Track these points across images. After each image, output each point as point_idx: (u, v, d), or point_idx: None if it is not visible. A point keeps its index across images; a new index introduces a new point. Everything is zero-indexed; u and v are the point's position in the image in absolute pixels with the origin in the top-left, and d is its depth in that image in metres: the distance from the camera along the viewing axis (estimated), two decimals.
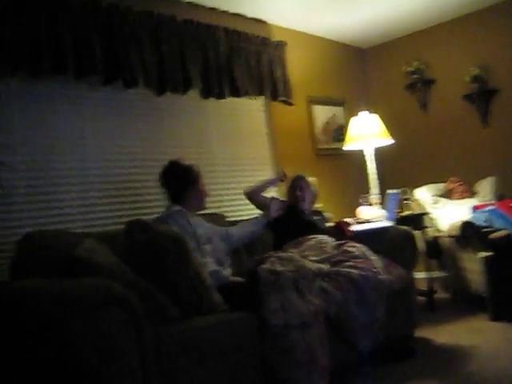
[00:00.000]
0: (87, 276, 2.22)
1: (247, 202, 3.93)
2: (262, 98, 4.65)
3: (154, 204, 3.76)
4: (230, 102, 4.42)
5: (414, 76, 5.75)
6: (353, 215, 4.36)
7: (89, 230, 3.25)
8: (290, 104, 4.78)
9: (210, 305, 2.61)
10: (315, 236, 3.54)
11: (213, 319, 2.51)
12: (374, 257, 3.22)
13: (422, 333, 3.70)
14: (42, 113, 3.37)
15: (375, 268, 3.13)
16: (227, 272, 3.09)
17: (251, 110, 4.75)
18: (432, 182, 5.12)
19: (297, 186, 3.92)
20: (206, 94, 4.11)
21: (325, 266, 3.10)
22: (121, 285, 2.11)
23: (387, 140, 4.71)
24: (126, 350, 2.01)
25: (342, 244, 3.36)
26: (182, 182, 3.21)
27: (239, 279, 3.05)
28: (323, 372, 2.61)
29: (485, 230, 4.10)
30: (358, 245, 3.29)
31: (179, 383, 2.23)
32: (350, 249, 3.25)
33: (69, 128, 3.49)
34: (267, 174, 4.75)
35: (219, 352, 2.41)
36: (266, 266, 2.81)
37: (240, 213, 4.38)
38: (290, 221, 3.74)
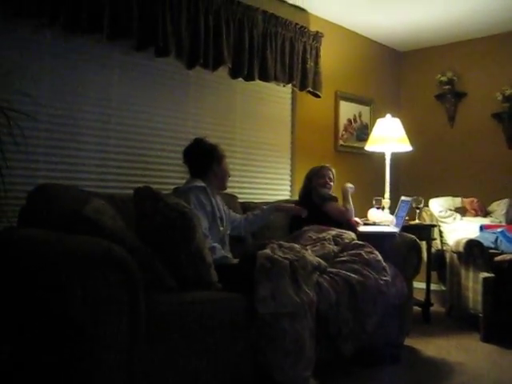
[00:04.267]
0: (91, 235, 2.25)
1: (261, 185, 3.98)
2: (290, 85, 4.64)
3: (167, 175, 3.81)
4: (258, 85, 4.43)
5: (446, 87, 5.70)
6: (364, 216, 4.37)
7: (101, 191, 3.29)
8: (318, 96, 4.77)
9: (207, 282, 2.64)
10: (340, 230, 3.60)
11: (207, 295, 2.54)
12: (386, 268, 3.23)
13: (412, 342, 3.72)
14: (71, 69, 3.40)
15: (383, 280, 3.13)
16: (227, 253, 3.12)
17: (278, 96, 4.75)
18: (447, 195, 5.10)
19: (325, 174, 4.00)
20: (235, 73, 4.11)
21: (325, 263, 3.12)
22: (122, 249, 2.15)
23: (406, 146, 4.69)
24: (116, 311, 2.05)
25: (361, 246, 3.37)
26: (206, 159, 3.23)
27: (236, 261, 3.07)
28: (309, 364, 2.64)
29: (490, 250, 4.09)
30: (375, 252, 3.30)
31: (165, 352, 2.27)
32: (365, 254, 3.25)
33: (95, 88, 3.52)
34: (283, 161, 4.78)
35: (208, 328, 2.44)
36: (266, 251, 2.82)
37: (253, 196, 4.43)
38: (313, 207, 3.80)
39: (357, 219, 4.03)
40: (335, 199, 3.92)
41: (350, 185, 4.12)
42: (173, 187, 3.35)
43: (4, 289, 2.34)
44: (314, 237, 3.49)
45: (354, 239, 3.49)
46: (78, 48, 3.41)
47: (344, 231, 3.59)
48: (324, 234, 3.50)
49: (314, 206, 3.81)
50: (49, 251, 2.15)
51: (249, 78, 4.21)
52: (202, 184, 3.15)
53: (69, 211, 2.42)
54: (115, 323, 2.06)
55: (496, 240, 4.22)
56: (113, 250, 2.08)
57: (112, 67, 3.61)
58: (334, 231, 3.55)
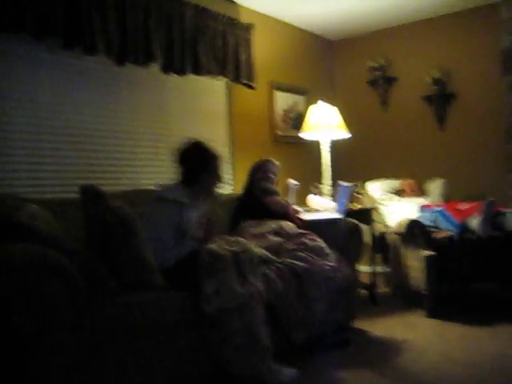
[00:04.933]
0: (26, 242, 2.17)
1: None
2: (224, 78, 4.61)
3: (102, 176, 3.72)
4: (192, 79, 4.38)
5: (377, 72, 5.82)
6: (303, 203, 4.39)
7: (35, 196, 3.17)
8: (252, 88, 4.76)
9: (150, 285, 2.60)
10: (278, 221, 3.58)
11: (152, 295, 2.52)
12: (330, 254, 3.26)
13: (360, 325, 3.78)
14: None
15: (328, 265, 3.17)
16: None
17: (212, 90, 4.71)
18: (384, 178, 5.20)
19: (268, 169, 3.96)
20: (167, 68, 4.05)
21: (272, 256, 3.12)
22: (60, 254, 2.08)
23: (344, 133, 4.75)
24: (58, 316, 2.00)
25: (303, 234, 3.38)
26: (202, 165, 3.09)
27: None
28: (265, 353, 2.63)
29: (430, 229, 4.21)
30: (318, 239, 3.32)
31: (113, 354, 2.23)
32: (309, 242, 3.28)
33: (23, 89, 3.39)
34: (224, 155, 4.73)
35: (156, 327, 2.41)
36: (211, 246, 2.80)
37: None
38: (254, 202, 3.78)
39: (296, 207, 4.05)
40: (276, 193, 3.89)
41: (293, 181, 4.13)
42: (106, 187, 3.25)
43: None
44: (254, 232, 3.48)
45: (293, 229, 3.52)
46: (2, 48, 3.27)
47: (283, 221, 3.60)
48: (265, 227, 3.50)
49: (254, 199, 3.81)
50: None
51: (181, 72, 4.15)
52: (186, 199, 2.98)
53: (0, 218, 2.32)
54: (58, 328, 2.01)
55: (435, 219, 4.34)
56: (48, 255, 2.01)
57: (40, 66, 3.48)
58: (273, 223, 3.56)
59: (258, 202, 3.79)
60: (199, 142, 3.17)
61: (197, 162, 3.09)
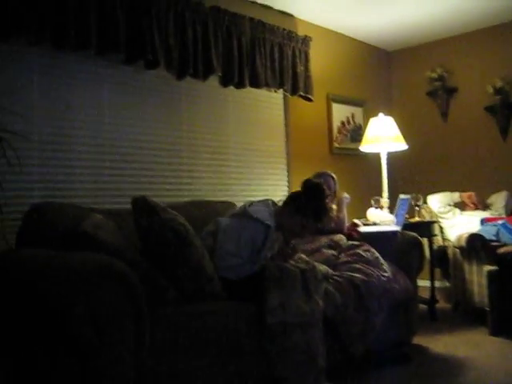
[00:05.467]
0: (91, 251, 2.23)
1: (258, 192, 3.94)
2: (282, 91, 4.63)
3: (163, 187, 3.79)
4: (249, 92, 4.42)
5: (437, 83, 5.71)
6: (363, 217, 4.35)
7: (97, 206, 3.26)
8: (310, 100, 4.76)
9: (209, 293, 2.61)
10: (328, 235, 3.54)
11: (212, 305, 2.52)
12: (385, 265, 3.21)
13: (420, 341, 3.69)
14: (61, 86, 3.38)
15: (384, 276, 3.12)
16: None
17: (270, 102, 4.74)
18: (445, 191, 5.08)
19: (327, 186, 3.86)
20: (226, 81, 4.11)
21: (330, 270, 3.10)
22: (123, 263, 2.12)
23: (401, 144, 4.68)
24: (121, 326, 2.02)
25: (357, 246, 3.35)
26: (320, 209, 2.96)
27: None
28: (320, 373, 2.60)
29: (492, 243, 4.08)
30: (372, 250, 3.28)
31: (172, 365, 2.23)
32: (363, 253, 3.24)
33: (87, 104, 3.51)
34: (280, 167, 4.76)
35: (215, 339, 2.40)
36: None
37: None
38: None
39: (356, 220, 4.02)
40: (329, 211, 3.79)
41: (346, 195, 4.05)
42: (165, 199, 3.31)
43: (6, 309, 2.30)
44: (307, 248, 3.45)
45: (344, 240, 3.48)
46: (67, 65, 3.40)
47: (333, 235, 3.55)
48: (317, 243, 3.47)
49: None
50: (49, 270, 2.12)
51: (240, 85, 4.20)
52: (270, 224, 2.87)
53: (67, 228, 2.40)
54: (120, 338, 2.03)
55: (497, 232, 4.21)
56: (114, 264, 2.05)
57: (102, 81, 3.59)
58: (324, 237, 3.52)
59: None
60: (323, 187, 3.03)
61: (320, 205, 2.97)
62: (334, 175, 3.99)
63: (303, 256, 3.00)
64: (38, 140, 3.25)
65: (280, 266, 2.70)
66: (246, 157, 4.50)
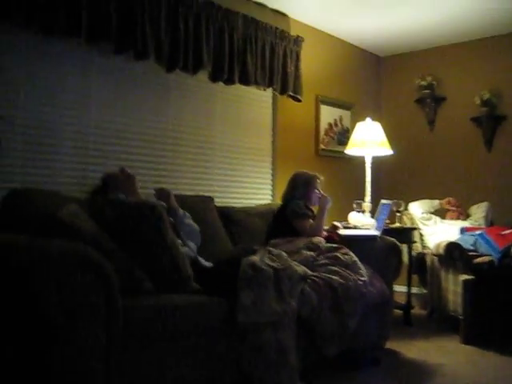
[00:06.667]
0: (67, 239, 2.22)
1: (242, 189, 4.08)
2: (271, 89, 4.63)
3: (147, 179, 3.77)
4: (238, 89, 4.42)
5: (426, 91, 5.74)
6: (344, 219, 4.37)
7: (79, 195, 3.25)
8: (298, 100, 4.77)
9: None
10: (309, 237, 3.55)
11: (186, 299, 2.51)
12: (362, 269, 3.23)
13: (393, 345, 3.72)
14: (49, 72, 3.35)
15: (361, 281, 3.14)
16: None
17: (259, 100, 4.74)
18: (428, 198, 5.12)
19: (314, 187, 3.86)
20: (215, 77, 4.10)
21: (309, 271, 3.10)
22: (99, 253, 2.13)
23: (387, 150, 4.71)
24: (92, 316, 2.03)
25: (336, 249, 3.36)
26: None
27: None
28: (293, 372, 2.62)
29: (470, 253, 4.12)
30: (351, 253, 3.30)
31: (143, 358, 2.25)
32: (341, 256, 3.25)
33: (74, 91, 3.48)
34: (265, 165, 4.77)
35: (187, 333, 2.41)
36: (254, 257, 2.80)
37: (234, 200, 4.41)
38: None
39: (336, 223, 4.03)
40: (307, 216, 3.73)
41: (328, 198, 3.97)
42: (152, 191, 3.31)
43: None
44: (286, 249, 3.44)
45: (323, 242, 3.49)
46: (56, 50, 3.37)
47: (312, 237, 3.55)
48: (295, 244, 3.47)
49: (285, 219, 3.73)
50: (24, 256, 2.11)
51: (229, 81, 4.20)
52: None
53: (44, 215, 2.39)
54: (91, 328, 2.04)
55: (475, 242, 4.25)
56: (89, 253, 2.05)
57: (90, 70, 3.57)
58: (304, 239, 3.52)
59: (289, 222, 3.72)
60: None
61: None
62: (321, 177, 3.96)
63: (283, 254, 3.00)
64: (22, 124, 3.23)
65: (253, 265, 2.71)
66: (231, 153, 4.50)
